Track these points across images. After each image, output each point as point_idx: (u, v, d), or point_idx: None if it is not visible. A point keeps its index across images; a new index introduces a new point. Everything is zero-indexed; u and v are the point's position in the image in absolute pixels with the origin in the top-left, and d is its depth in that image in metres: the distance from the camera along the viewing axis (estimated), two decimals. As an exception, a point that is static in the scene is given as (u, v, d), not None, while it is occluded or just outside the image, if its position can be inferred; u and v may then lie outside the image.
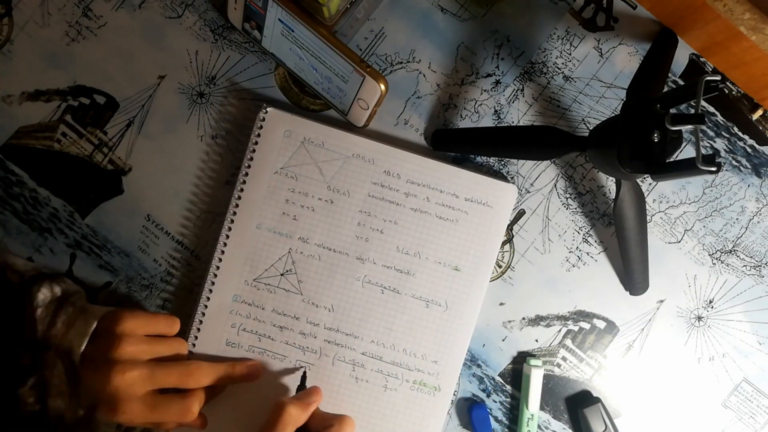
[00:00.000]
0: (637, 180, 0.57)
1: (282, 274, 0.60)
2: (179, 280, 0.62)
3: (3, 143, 0.62)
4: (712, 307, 0.63)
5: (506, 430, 0.62)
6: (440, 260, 0.60)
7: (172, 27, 0.62)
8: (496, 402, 0.62)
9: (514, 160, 0.62)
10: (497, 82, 0.63)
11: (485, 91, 0.63)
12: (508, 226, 0.63)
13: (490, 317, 0.62)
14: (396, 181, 0.61)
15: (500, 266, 0.62)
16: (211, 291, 0.60)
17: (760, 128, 0.63)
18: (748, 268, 0.63)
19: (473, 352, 0.62)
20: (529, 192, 0.62)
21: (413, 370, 0.60)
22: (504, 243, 0.62)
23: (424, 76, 0.62)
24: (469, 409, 0.61)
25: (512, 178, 0.62)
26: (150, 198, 0.62)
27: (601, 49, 0.63)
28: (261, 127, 0.60)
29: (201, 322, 0.60)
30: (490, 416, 0.61)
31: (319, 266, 0.60)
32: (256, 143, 0.60)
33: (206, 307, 0.60)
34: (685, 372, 0.63)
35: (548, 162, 0.62)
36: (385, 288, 0.60)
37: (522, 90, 0.63)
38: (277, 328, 0.60)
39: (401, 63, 0.62)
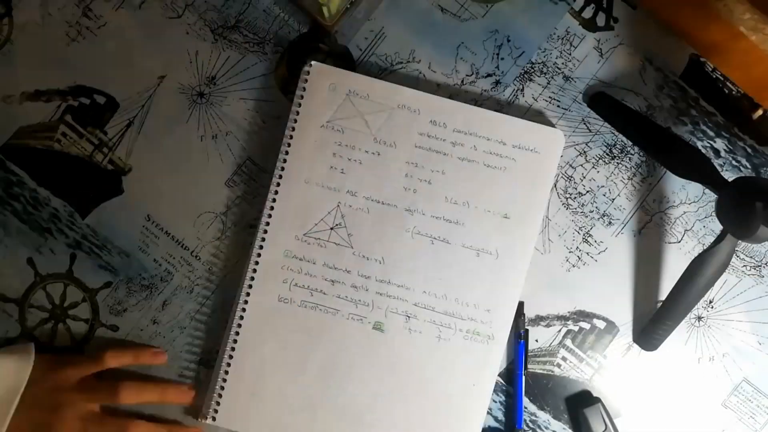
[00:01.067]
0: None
1: (332, 228, 0.60)
2: (179, 280, 0.62)
3: (3, 143, 0.62)
4: (712, 307, 0.63)
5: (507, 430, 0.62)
6: (489, 208, 0.60)
7: (172, 27, 0.62)
8: (496, 402, 0.62)
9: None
10: (497, 82, 0.63)
11: (485, 91, 0.63)
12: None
13: (490, 317, 0.62)
14: (442, 131, 0.60)
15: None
16: (261, 247, 0.60)
17: (760, 128, 0.63)
18: (748, 268, 0.63)
19: (473, 352, 0.62)
20: (529, 192, 0.62)
21: (466, 320, 0.60)
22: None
23: (424, 75, 0.62)
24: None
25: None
26: (150, 198, 0.62)
27: (601, 49, 0.63)
28: (306, 81, 0.60)
29: (252, 278, 0.60)
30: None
31: (368, 219, 0.60)
32: (302, 98, 0.60)
33: (257, 263, 0.60)
34: (685, 372, 0.63)
35: (548, 162, 0.62)
36: (434, 238, 0.60)
37: (522, 90, 0.63)
38: (328, 282, 0.60)
39: (401, 63, 0.62)
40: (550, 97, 0.63)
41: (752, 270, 0.63)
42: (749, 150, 0.63)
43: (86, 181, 0.62)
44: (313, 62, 0.60)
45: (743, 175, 0.63)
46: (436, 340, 0.60)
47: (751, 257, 0.63)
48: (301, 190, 0.60)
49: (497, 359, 0.60)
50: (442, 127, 0.60)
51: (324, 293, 0.60)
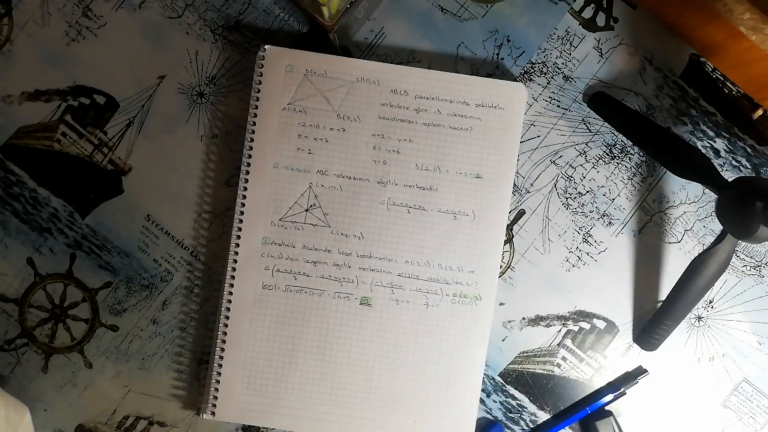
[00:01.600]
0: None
1: (307, 210, 0.60)
2: (179, 280, 0.62)
3: (3, 143, 0.62)
4: (712, 307, 0.63)
5: (507, 430, 0.62)
6: (461, 170, 0.60)
7: (172, 27, 0.62)
8: (496, 402, 0.62)
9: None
10: (497, 82, 0.63)
11: (485, 91, 0.63)
12: (508, 226, 0.63)
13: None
14: (404, 99, 0.60)
15: (500, 266, 0.62)
16: (239, 237, 0.60)
17: (760, 128, 0.63)
18: (748, 268, 0.63)
19: (473, 352, 0.62)
20: (529, 192, 0.62)
21: (451, 284, 0.60)
22: (504, 243, 0.62)
23: (424, 76, 0.62)
24: (483, 430, 0.62)
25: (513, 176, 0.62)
26: (150, 198, 0.62)
27: (601, 49, 0.63)
28: (262, 66, 0.60)
29: (234, 269, 0.60)
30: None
31: (341, 196, 0.60)
32: (260, 83, 0.60)
33: (237, 254, 0.60)
34: (685, 372, 0.63)
35: (548, 162, 0.62)
36: (410, 207, 0.60)
37: (522, 90, 0.63)
38: (310, 263, 0.60)
39: (401, 63, 0.62)
40: (550, 97, 0.63)
41: (752, 270, 0.63)
42: (749, 150, 0.63)
43: (86, 181, 0.62)
44: (267, 46, 0.60)
45: (743, 175, 0.63)
46: (424, 308, 0.60)
47: (751, 257, 0.63)
48: (271, 176, 0.60)
49: (487, 318, 0.60)
50: (404, 95, 0.60)
51: (307, 275, 0.60)
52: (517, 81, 0.61)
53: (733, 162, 0.63)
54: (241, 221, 0.60)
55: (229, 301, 0.60)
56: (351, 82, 0.60)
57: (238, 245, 0.60)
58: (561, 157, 0.62)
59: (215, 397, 0.59)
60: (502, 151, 0.60)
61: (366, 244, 0.60)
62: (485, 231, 0.60)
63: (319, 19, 0.57)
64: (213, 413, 0.59)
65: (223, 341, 0.59)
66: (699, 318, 0.63)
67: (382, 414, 0.60)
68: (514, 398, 0.62)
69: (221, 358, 0.59)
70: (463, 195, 0.60)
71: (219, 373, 0.59)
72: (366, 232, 0.60)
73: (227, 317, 0.60)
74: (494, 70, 0.62)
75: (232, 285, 0.60)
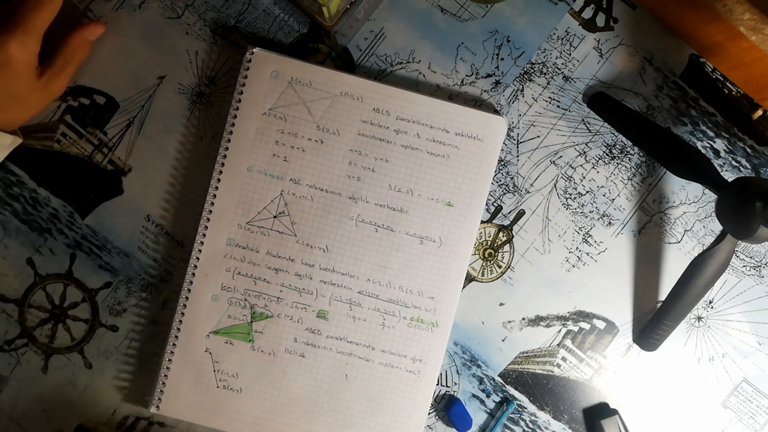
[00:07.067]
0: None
1: (275, 217, 0.60)
2: (179, 281, 0.62)
3: (3, 143, 0.62)
4: (712, 308, 0.63)
5: (506, 430, 0.62)
6: (433, 196, 0.60)
7: (172, 27, 0.62)
8: (495, 402, 0.62)
9: (515, 160, 0.62)
10: (497, 83, 0.63)
11: (485, 91, 0.63)
12: (508, 225, 0.63)
13: (490, 317, 0.62)
14: (385, 119, 0.60)
15: (500, 266, 0.62)
16: (204, 236, 0.60)
17: (760, 128, 0.63)
18: (748, 268, 0.63)
19: (473, 352, 0.62)
20: (529, 192, 0.62)
21: (410, 307, 0.60)
22: (504, 243, 0.62)
23: (424, 76, 0.62)
24: (446, 408, 0.61)
25: (512, 178, 0.62)
26: (150, 198, 0.62)
27: (601, 49, 0.63)
28: (248, 69, 0.60)
29: (196, 267, 0.60)
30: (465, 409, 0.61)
31: (311, 207, 0.60)
32: (244, 85, 0.60)
33: (200, 252, 0.60)
34: (685, 372, 0.63)
35: (548, 162, 0.62)
36: (378, 226, 0.60)
37: (522, 90, 0.63)
38: (272, 270, 0.60)
39: (401, 63, 0.62)
40: (549, 97, 0.63)
41: (752, 270, 0.63)
42: (749, 150, 0.63)
43: (86, 181, 0.62)
44: (255, 49, 0.60)
45: (743, 175, 0.63)
46: (380, 328, 0.60)
47: (751, 257, 0.63)
48: (244, 178, 0.60)
49: (442, 346, 0.60)
50: (385, 115, 0.60)
51: (267, 282, 0.60)
52: (499, 115, 0.61)
53: (733, 162, 0.63)
54: (208, 219, 0.60)
55: (187, 298, 0.59)
56: (335, 96, 0.60)
57: (202, 243, 0.60)
58: (561, 157, 0.62)
59: (162, 392, 0.59)
60: (476, 182, 0.60)
61: (330, 257, 0.60)
62: (449, 258, 0.60)
63: (319, 20, 0.57)
64: (158, 407, 0.59)
65: (176, 337, 0.59)
66: (699, 318, 0.63)
67: (325, 428, 0.60)
68: (514, 398, 0.62)
69: (172, 353, 0.59)
70: (432, 221, 0.60)
71: (168, 368, 0.59)
72: (331, 246, 0.60)
73: (183, 313, 0.59)
74: (494, 70, 0.62)
75: (191, 282, 0.60)
